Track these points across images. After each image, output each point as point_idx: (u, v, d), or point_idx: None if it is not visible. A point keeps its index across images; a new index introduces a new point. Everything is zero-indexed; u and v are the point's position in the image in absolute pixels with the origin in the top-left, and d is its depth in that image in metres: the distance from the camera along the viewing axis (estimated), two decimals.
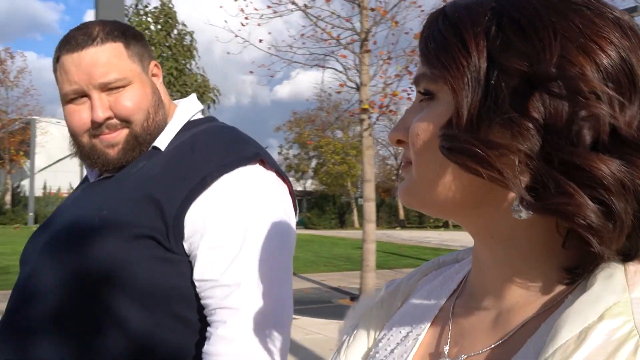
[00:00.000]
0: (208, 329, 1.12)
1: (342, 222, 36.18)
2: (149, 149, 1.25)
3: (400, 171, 0.63)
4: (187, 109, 1.34)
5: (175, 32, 26.74)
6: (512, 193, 0.53)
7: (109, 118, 1.20)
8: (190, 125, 1.30)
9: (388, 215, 36.11)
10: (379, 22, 8.67)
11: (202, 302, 1.13)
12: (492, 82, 0.53)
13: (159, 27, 26.08)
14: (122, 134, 1.22)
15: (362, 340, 0.75)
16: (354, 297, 9.20)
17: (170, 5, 26.70)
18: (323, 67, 9.14)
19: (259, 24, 8.62)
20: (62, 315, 1.13)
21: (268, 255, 1.14)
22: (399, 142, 0.63)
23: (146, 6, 26.45)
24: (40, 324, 1.13)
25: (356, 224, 36.25)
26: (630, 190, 0.49)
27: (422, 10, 8.73)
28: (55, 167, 34.53)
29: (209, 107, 27.28)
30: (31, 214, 25.75)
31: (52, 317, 1.13)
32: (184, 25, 26.78)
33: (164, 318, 1.13)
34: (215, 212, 1.13)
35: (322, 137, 33.42)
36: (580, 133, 0.49)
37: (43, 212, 27.32)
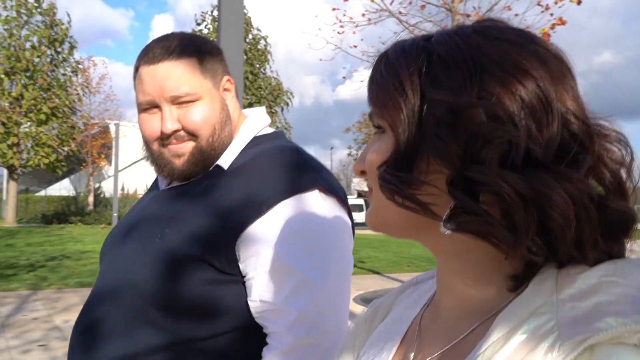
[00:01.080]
0: (263, 349, 1.15)
1: None
2: (213, 167, 1.27)
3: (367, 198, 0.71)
4: (253, 125, 1.35)
5: (250, 36, 27.53)
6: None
7: (177, 130, 1.23)
8: (255, 142, 1.31)
9: None
10: None
11: (258, 320, 1.16)
12: (424, 113, 0.58)
13: None
14: (188, 146, 1.25)
15: (347, 357, 0.81)
16: None
17: (245, 11, 27.48)
18: None
19: (354, 32, 8.89)
20: (115, 321, 1.18)
21: (324, 281, 1.15)
22: (362, 172, 0.68)
23: None
24: (99, 327, 1.19)
25: None
26: (529, 201, 0.53)
27: (516, 15, 8.81)
28: (130, 169, 36.00)
29: (282, 110, 27.98)
30: (115, 214, 26.97)
31: (109, 322, 1.19)
32: (258, 30, 27.58)
33: (215, 332, 1.15)
34: (271, 237, 1.14)
35: None
36: (488, 153, 0.54)
37: (122, 212, 28.63)
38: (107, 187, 36.24)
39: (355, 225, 1.32)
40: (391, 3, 8.64)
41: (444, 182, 0.57)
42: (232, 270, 1.15)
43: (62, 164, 28.66)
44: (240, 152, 1.28)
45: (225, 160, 1.26)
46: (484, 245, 0.57)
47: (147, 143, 1.29)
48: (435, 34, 0.63)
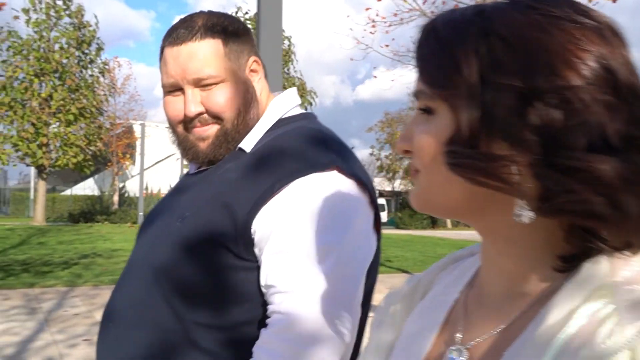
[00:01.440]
0: (262, 328, 1.11)
1: (434, 222, 36.01)
2: (236, 149, 1.25)
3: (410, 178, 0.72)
4: (279, 106, 1.31)
5: None
6: (515, 198, 0.57)
7: (200, 113, 1.22)
8: (280, 123, 1.28)
9: None
10: None
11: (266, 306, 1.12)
12: (488, 99, 0.56)
13: None
14: (212, 129, 1.23)
15: (388, 333, 0.79)
16: None
17: None
18: None
19: (386, 32, 8.95)
20: (136, 305, 1.17)
21: (331, 264, 1.09)
22: (406, 151, 0.66)
23: (246, 13, 27.61)
24: (121, 312, 1.19)
25: (448, 224, 35.99)
26: (634, 183, 0.52)
27: None
28: (154, 169, 36.40)
29: (306, 110, 28.01)
30: (141, 213, 27.31)
31: (129, 306, 1.19)
32: (282, 30, 27.63)
33: (232, 321, 1.12)
34: (281, 217, 1.11)
35: None
36: (575, 139, 0.53)
37: (147, 211, 28.96)
38: (130, 187, 36.69)
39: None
40: (424, 3, 8.68)
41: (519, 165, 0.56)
42: (249, 255, 1.13)
43: (90, 163, 29.06)
44: (265, 134, 1.26)
45: (248, 143, 1.24)
46: (538, 228, 0.58)
47: (172, 126, 1.28)
48: (488, 8, 0.60)
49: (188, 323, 1.11)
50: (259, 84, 1.30)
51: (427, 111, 0.62)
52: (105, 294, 8.69)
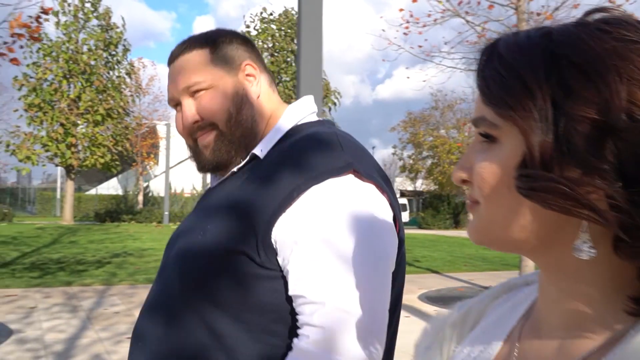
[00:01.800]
0: (293, 339, 1.10)
1: (457, 222, 35.86)
2: (251, 156, 1.25)
3: (467, 210, 0.67)
4: (294, 113, 1.32)
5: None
6: (580, 232, 0.53)
7: (197, 121, 1.27)
8: (295, 130, 1.28)
9: None
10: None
11: (296, 316, 1.12)
12: (562, 126, 0.52)
13: (284, 33, 27.44)
14: (211, 135, 1.27)
15: None
16: None
17: (294, 12, 27.72)
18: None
19: (420, 32, 8.96)
20: (166, 322, 1.18)
21: (358, 271, 1.09)
22: (464, 181, 0.62)
23: (271, 14, 27.80)
24: (151, 329, 1.21)
25: None
26: None
27: None
28: (176, 169, 36.71)
29: (330, 110, 28.24)
30: (166, 212, 27.58)
31: (159, 323, 1.20)
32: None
33: (258, 332, 1.12)
34: (303, 225, 1.10)
35: (436, 137, 33.31)
36: None
37: (171, 210, 29.32)
38: (154, 187, 37.06)
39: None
40: (459, 3, 8.68)
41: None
42: (271, 265, 1.13)
43: (117, 163, 29.46)
44: (281, 141, 1.26)
45: (261, 149, 1.25)
46: (605, 265, 0.55)
47: (185, 141, 1.34)
48: (554, 30, 0.57)
49: (217, 334, 1.12)
50: (256, 87, 1.32)
51: (488, 138, 0.59)
52: (141, 293, 8.84)
